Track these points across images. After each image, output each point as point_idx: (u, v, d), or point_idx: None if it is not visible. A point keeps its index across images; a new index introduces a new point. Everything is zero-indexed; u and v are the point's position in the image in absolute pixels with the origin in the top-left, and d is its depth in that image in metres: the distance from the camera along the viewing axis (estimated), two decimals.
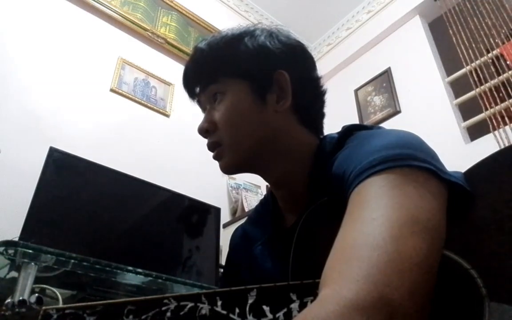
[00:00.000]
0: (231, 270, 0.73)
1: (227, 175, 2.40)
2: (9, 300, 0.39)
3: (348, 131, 0.56)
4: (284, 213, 0.65)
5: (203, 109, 0.65)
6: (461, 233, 0.39)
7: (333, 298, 0.29)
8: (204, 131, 0.61)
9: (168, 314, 0.32)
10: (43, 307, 0.34)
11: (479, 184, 0.42)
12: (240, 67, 0.60)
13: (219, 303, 0.33)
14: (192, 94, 0.66)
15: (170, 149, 2.27)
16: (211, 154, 0.62)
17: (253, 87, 0.59)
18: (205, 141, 0.63)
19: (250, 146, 0.59)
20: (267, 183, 0.67)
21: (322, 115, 0.66)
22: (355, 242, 0.34)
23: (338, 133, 0.60)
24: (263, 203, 0.73)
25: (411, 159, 0.40)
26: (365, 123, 2.53)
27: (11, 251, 1.12)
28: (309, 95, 0.64)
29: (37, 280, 1.15)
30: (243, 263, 0.68)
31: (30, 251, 1.13)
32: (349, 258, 0.33)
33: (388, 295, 0.29)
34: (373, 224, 0.35)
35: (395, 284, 0.30)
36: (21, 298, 0.39)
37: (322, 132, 0.66)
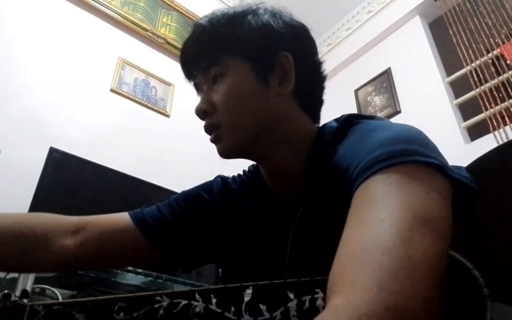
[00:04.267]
0: (192, 212, 0.67)
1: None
2: None
3: (348, 121, 0.54)
4: (277, 198, 0.63)
5: (199, 90, 0.62)
6: (463, 231, 0.39)
7: (346, 308, 0.28)
8: (202, 112, 0.59)
9: (161, 312, 0.32)
10: (30, 303, 0.33)
11: (480, 179, 0.41)
12: (242, 47, 0.57)
13: (214, 301, 0.32)
14: (189, 74, 0.63)
15: (170, 149, 2.27)
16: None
17: (255, 68, 0.57)
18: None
19: (250, 129, 0.57)
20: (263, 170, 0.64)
21: (321, 102, 0.65)
22: (364, 245, 0.33)
23: (336, 120, 0.58)
24: (245, 181, 0.69)
25: (417, 155, 0.39)
26: None
27: None
28: (311, 80, 0.62)
29: (37, 280, 1.15)
30: (218, 226, 0.65)
31: None
32: (359, 263, 0.32)
33: (403, 304, 0.28)
34: (382, 225, 0.33)
35: (409, 293, 0.29)
36: (6, 291, 0.38)
37: (319, 120, 0.64)
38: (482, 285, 0.36)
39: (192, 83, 0.64)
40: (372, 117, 0.55)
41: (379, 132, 0.45)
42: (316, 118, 0.64)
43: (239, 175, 0.71)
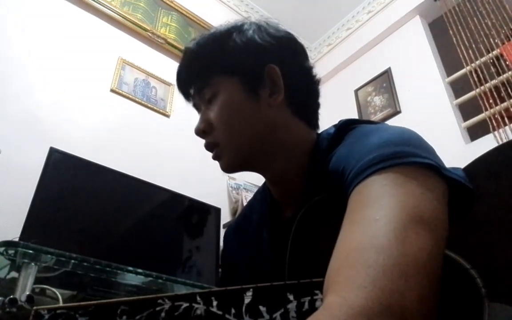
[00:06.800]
0: (228, 270, 0.72)
1: (227, 175, 2.40)
2: (0, 298, 0.39)
3: (345, 126, 0.55)
4: (282, 206, 0.65)
5: (198, 109, 0.64)
6: (460, 231, 0.39)
7: (341, 306, 0.29)
8: (200, 132, 0.61)
9: (163, 314, 0.32)
10: (34, 307, 0.34)
11: (478, 180, 0.41)
12: (230, 64, 0.59)
13: (215, 303, 0.32)
14: (186, 96, 0.66)
15: (170, 149, 2.27)
16: (211, 154, 0.62)
17: (244, 83, 0.59)
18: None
19: (246, 143, 0.58)
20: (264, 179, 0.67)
21: (317, 106, 0.66)
22: (360, 245, 0.33)
23: (334, 126, 0.59)
24: (257, 198, 0.72)
25: (412, 156, 0.40)
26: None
27: (11, 252, 1.12)
28: (302, 87, 0.63)
29: (37, 281, 1.15)
30: (240, 260, 0.67)
31: (30, 251, 1.13)
32: (354, 262, 0.32)
33: (397, 302, 0.29)
34: (377, 225, 0.34)
35: (403, 290, 0.29)
36: (12, 296, 0.38)
37: (317, 124, 0.65)
38: (479, 285, 0.36)
39: (191, 104, 0.66)
40: (368, 122, 0.56)
41: (374, 135, 0.46)
42: (313, 124, 0.65)
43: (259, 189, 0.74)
